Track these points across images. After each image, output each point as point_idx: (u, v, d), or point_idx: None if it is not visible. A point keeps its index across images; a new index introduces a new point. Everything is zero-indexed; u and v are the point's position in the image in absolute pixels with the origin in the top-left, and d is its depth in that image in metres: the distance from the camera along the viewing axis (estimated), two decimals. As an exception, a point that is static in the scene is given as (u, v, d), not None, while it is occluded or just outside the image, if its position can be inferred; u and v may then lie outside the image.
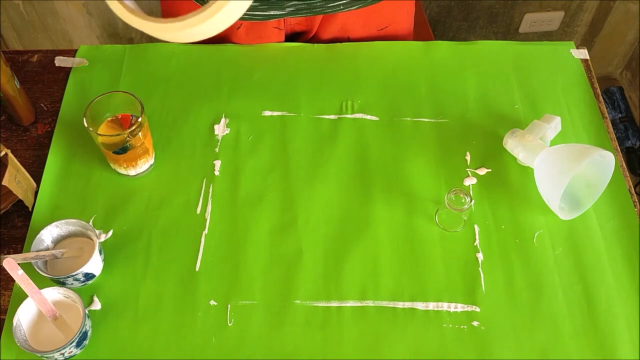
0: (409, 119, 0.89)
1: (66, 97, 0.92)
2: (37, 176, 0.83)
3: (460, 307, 0.73)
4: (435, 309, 0.73)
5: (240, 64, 0.94)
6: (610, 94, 1.86)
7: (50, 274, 0.71)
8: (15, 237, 0.79)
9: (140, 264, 0.76)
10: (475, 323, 0.72)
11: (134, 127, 0.76)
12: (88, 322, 0.69)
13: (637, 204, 0.82)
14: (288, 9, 0.92)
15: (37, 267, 0.71)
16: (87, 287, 0.74)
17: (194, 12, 0.50)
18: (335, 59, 0.95)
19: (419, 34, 1.35)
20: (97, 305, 0.73)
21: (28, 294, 0.67)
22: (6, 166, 0.74)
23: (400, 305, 0.73)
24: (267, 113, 0.89)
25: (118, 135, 0.77)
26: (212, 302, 0.73)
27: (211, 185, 0.83)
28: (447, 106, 0.90)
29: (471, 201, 0.76)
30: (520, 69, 0.95)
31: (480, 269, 0.76)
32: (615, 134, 0.89)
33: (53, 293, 0.70)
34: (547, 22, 1.79)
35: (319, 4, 0.91)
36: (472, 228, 0.79)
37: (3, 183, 0.73)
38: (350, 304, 0.73)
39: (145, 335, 0.71)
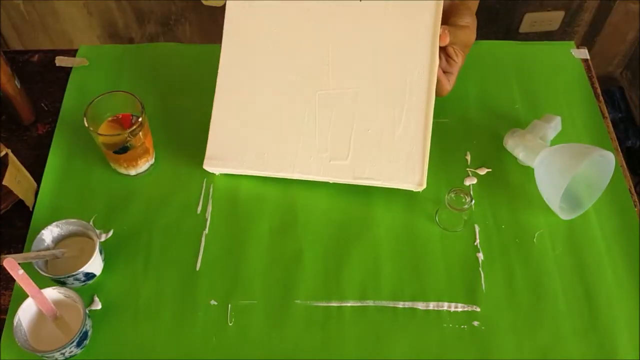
0: (409, 118, 0.89)
1: (66, 96, 0.92)
2: (37, 176, 0.83)
3: (460, 307, 0.73)
4: (436, 308, 0.73)
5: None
6: (610, 94, 1.85)
7: (51, 274, 0.71)
8: (15, 237, 0.79)
9: (140, 263, 0.76)
10: (475, 323, 0.72)
11: (134, 127, 0.77)
12: (88, 322, 0.69)
13: (637, 204, 0.82)
14: None
15: (38, 267, 0.71)
16: (88, 287, 0.74)
17: None
18: (336, 58, 0.95)
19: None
20: (97, 305, 0.73)
21: (28, 294, 0.68)
22: (7, 166, 0.74)
23: (400, 305, 0.73)
24: (268, 113, 0.89)
25: (118, 135, 0.77)
26: (213, 302, 0.73)
27: (211, 185, 0.83)
28: (447, 106, 0.90)
29: (471, 201, 0.76)
30: (521, 69, 0.95)
31: (480, 268, 0.76)
32: (615, 134, 0.89)
33: (53, 293, 0.70)
34: (548, 22, 1.79)
35: None
36: (473, 228, 0.79)
37: (4, 183, 0.73)
38: (351, 303, 0.73)
39: (146, 335, 0.71)
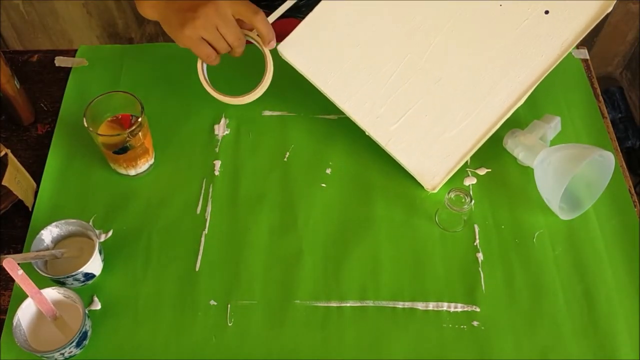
0: (409, 119, 0.89)
1: (66, 97, 0.92)
2: (37, 176, 0.83)
3: (460, 307, 0.73)
4: (435, 308, 0.73)
5: (240, 63, 0.94)
6: (610, 94, 1.85)
7: (50, 274, 0.71)
8: (15, 237, 0.79)
9: (140, 264, 0.76)
10: (475, 323, 0.72)
11: (134, 127, 0.77)
12: (88, 322, 0.69)
13: (637, 204, 0.82)
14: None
15: (37, 267, 0.71)
16: (87, 287, 0.74)
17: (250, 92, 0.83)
18: (336, 58, 0.95)
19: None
20: (97, 305, 0.73)
21: (28, 294, 0.67)
22: (6, 166, 0.74)
23: (400, 305, 0.73)
24: (267, 113, 0.90)
25: (118, 135, 0.77)
26: (212, 302, 0.73)
27: (211, 185, 0.83)
28: (447, 106, 0.90)
29: (471, 201, 0.76)
30: (520, 69, 0.95)
31: (480, 269, 0.76)
32: (615, 134, 0.89)
33: (53, 293, 0.70)
34: (547, 22, 1.79)
35: None
36: (472, 228, 0.79)
37: (3, 183, 0.73)
38: (350, 304, 0.73)
39: (145, 335, 0.71)
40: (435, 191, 0.81)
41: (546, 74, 0.79)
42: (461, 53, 0.81)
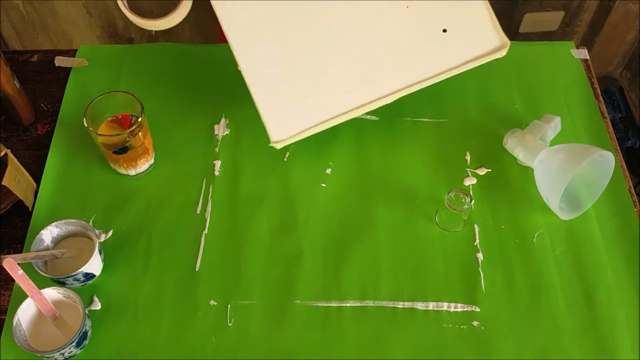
0: (408, 119, 0.89)
1: (66, 97, 0.92)
2: (37, 176, 0.83)
3: (460, 307, 0.73)
4: (435, 308, 0.73)
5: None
6: (610, 94, 1.85)
7: (50, 274, 0.71)
8: (15, 237, 0.79)
9: (140, 264, 0.76)
10: (475, 323, 0.72)
11: (134, 127, 0.77)
12: (88, 322, 0.69)
13: (637, 204, 0.82)
14: None
15: (37, 267, 0.71)
16: (87, 287, 0.74)
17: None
18: (335, 59, 0.95)
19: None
20: (97, 305, 0.73)
21: (28, 294, 0.67)
22: (6, 166, 0.74)
23: (400, 305, 0.73)
24: (267, 113, 0.89)
25: (118, 135, 0.77)
26: (212, 302, 0.73)
27: (211, 185, 0.83)
28: (447, 106, 0.90)
29: (471, 201, 0.76)
30: (520, 69, 0.95)
31: (480, 269, 0.76)
32: (615, 134, 0.89)
33: (53, 293, 0.70)
34: (547, 22, 1.79)
35: None
36: (472, 228, 0.79)
37: (3, 183, 0.73)
38: (350, 303, 0.73)
39: (145, 335, 0.71)
40: (279, 147, 0.79)
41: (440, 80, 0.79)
42: (364, 32, 0.79)
